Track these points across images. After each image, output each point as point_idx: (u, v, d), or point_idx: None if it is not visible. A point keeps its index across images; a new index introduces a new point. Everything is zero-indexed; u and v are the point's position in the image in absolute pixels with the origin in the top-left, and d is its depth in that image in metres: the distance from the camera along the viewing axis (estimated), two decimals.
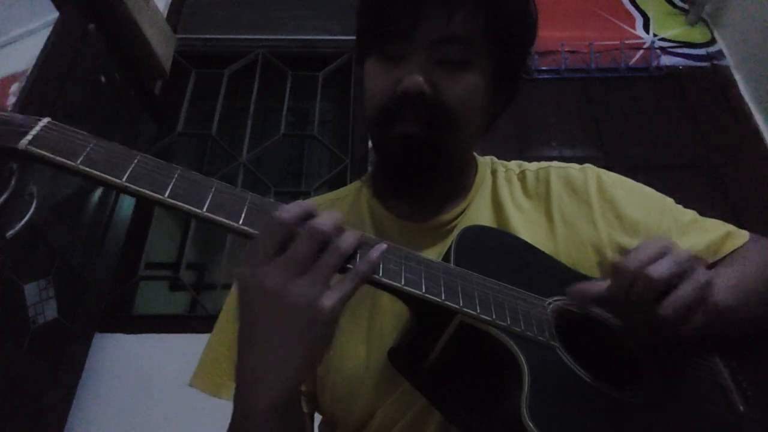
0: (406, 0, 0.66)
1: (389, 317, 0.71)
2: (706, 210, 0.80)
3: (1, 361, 1.35)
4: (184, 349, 1.64)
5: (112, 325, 1.77)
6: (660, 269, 0.56)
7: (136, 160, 0.51)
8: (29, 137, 0.49)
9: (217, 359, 0.75)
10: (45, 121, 0.51)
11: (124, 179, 0.50)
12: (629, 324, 0.62)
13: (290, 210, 0.51)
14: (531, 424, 0.51)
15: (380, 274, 0.54)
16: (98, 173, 0.50)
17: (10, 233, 1.35)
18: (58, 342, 1.56)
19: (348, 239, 0.52)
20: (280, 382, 0.52)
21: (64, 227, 1.62)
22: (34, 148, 0.49)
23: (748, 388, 0.66)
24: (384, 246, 0.54)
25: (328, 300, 0.50)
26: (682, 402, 0.63)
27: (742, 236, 0.76)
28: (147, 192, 0.50)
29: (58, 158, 0.49)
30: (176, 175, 0.52)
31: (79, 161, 0.49)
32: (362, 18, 0.72)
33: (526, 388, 0.54)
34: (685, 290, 0.56)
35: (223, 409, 0.73)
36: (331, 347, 0.53)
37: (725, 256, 0.75)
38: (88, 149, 0.50)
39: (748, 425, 0.64)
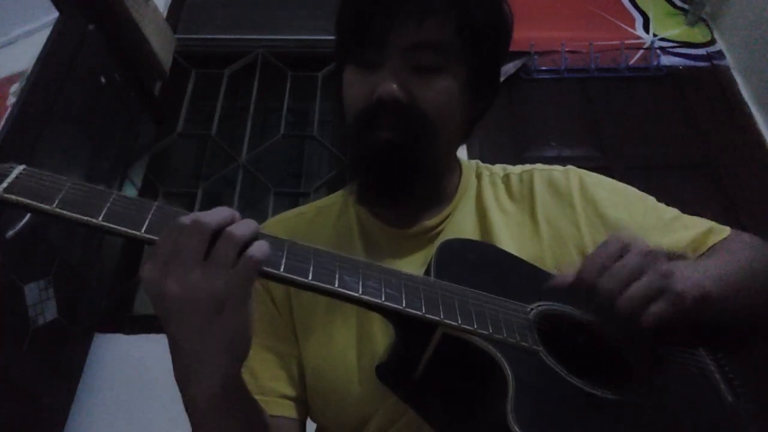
0: (379, 8, 0.67)
1: (378, 322, 0.71)
2: (706, 210, 0.80)
3: (1, 361, 1.35)
4: None
5: (111, 325, 1.77)
6: (622, 265, 0.57)
7: (111, 199, 0.52)
8: (4, 185, 0.50)
9: None
10: (20, 168, 0.52)
11: (99, 218, 0.51)
12: (599, 318, 0.62)
13: (184, 218, 0.52)
14: (517, 429, 0.52)
15: (360, 292, 0.55)
16: (74, 215, 0.51)
17: (10, 233, 1.35)
18: (58, 342, 1.56)
19: (240, 227, 0.52)
20: (206, 376, 0.54)
21: (64, 227, 1.62)
22: (9, 196, 0.50)
23: (735, 379, 0.66)
24: (265, 245, 0.53)
25: (223, 286, 0.50)
26: (670, 397, 0.63)
27: (724, 231, 0.77)
28: (123, 230, 0.51)
29: (34, 203, 0.50)
30: (152, 210, 0.53)
31: (54, 204, 0.51)
32: (339, 26, 0.73)
33: (511, 394, 0.54)
34: (642, 282, 0.56)
35: None
36: (248, 335, 0.54)
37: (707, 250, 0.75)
38: (63, 192, 0.51)
39: (737, 416, 0.64)
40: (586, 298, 0.58)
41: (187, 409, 0.58)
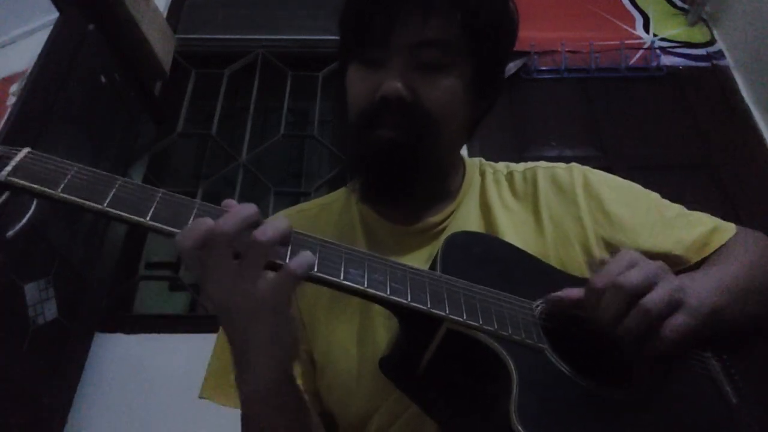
0: (382, 6, 0.67)
1: (380, 318, 0.71)
2: (706, 210, 0.80)
3: (1, 361, 1.35)
4: (184, 349, 1.65)
5: (112, 325, 1.77)
6: (628, 278, 0.56)
7: (117, 185, 0.52)
8: (9, 168, 0.50)
9: (225, 368, 0.75)
10: (25, 151, 0.52)
11: (105, 204, 0.51)
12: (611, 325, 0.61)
13: (201, 227, 0.51)
14: (521, 428, 0.52)
15: (365, 285, 0.55)
16: (79, 200, 0.50)
17: (10, 233, 1.35)
18: (58, 342, 1.56)
19: (268, 232, 0.51)
20: (253, 372, 0.56)
21: (64, 227, 1.62)
22: (14, 179, 0.50)
23: (739, 380, 0.66)
24: (309, 256, 0.53)
25: (259, 290, 0.51)
26: (674, 397, 0.63)
27: (729, 230, 0.76)
28: (128, 216, 0.51)
29: (39, 187, 0.50)
30: (158, 198, 0.53)
31: (59, 189, 0.50)
32: (342, 24, 0.73)
33: (514, 391, 0.54)
34: (658, 292, 0.56)
35: (221, 408, 0.73)
36: (287, 338, 0.55)
37: (712, 253, 0.74)
38: (68, 177, 0.51)
39: (740, 417, 0.64)
40: (597, 308, 0.58)
41: (241, 405, 0.61)
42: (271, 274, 0.52)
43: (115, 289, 1.87)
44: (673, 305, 0.57)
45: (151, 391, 1.65)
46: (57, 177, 0.51)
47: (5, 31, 1.93)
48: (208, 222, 0.51)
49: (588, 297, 0.59)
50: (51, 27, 1.73)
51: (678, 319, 0.56)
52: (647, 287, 0.56)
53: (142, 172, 2.14)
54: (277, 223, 0.53)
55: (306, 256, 0.53)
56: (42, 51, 1.65)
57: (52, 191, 0.50)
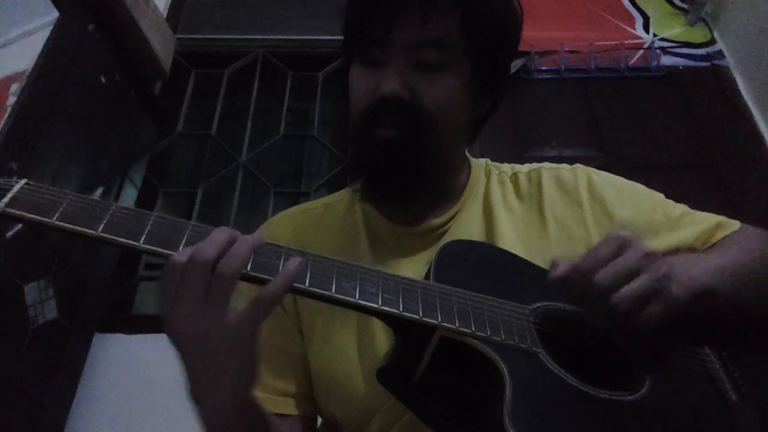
0: (383, 6, 0.67)
1: (380, 322, 0.71)
2: (706, 210, 0.80)
3: (1, 361, 1.35)
4: None
5: (111, 326, 1.77)
6: (618, 263, 0.55)
7: (111, 211, 0.53)
8: (6, 200, 0.52)
9: None
10: (22, 182, 0.54)
11: (99, 230, 0.52)
12: (591, 314, 0.60)
13: (181, 253, 0.53)
14: None
15: (357, 297, 0.55)
16: (74, 227, 0.52)
17: (10, 233, 1.35)
18: (58, 342, 1.56)
19: (232, 262, 0.52)
20: (218, 399, 0.56)
21: None
22: (11, 210, 0.52)
23: (739, 377, 0.66)
24: (278, 282, 0.53)
25: (231, 321, 0.52)
26: (673, 397, 0.63)
27: (733, 225, 0.77)
28: (123, 240, 0.52)
29: (35, 217, 0.52)
30: (151, 221, 0.54)
31: (55, 218, 0.52)
32: (345, 24, 0.73)
33: (508, 396, 0.54)
34: (638, 282, 0.55)
35: None
36: (256, 362, 0.56)
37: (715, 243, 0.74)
38: (63, 205, 0.53)
39: (740, 415, 0.64)
40: (581, 293, 0.58)
41: (201, 425, 0.60)
42: (240, 306, 0.53)
43: (115, 289, 1.87)
44: (652, 293, 0.55)
45: (151, 391, 1.65)
46: (52, 206, 0.53)
47: (5, 31, 1.93)
48: (178, 259, 0.52)
49: (572, 283, 0.58)
50: (51, 27, 1.73)
51: (649, 310, 0.55)
52: (632, 274, 0.55)
53: (142, 172, 2.13)
54: (241, 250, 0.53)
55: (276, 284, 0.53)
56: (42, 51, 1.65)
57: (48, 220, 0.52)
